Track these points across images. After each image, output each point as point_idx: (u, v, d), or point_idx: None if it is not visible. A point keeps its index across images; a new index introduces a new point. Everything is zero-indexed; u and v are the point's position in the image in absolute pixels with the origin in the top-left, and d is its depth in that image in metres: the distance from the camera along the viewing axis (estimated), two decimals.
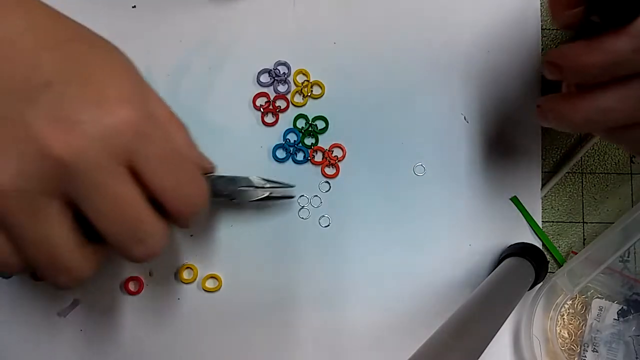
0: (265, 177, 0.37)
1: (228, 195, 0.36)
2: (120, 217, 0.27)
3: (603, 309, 0.39)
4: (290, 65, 0.41)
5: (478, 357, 0.26)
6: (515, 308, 0.38)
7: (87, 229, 0.27)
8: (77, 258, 0.28)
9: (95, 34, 0.29)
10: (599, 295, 0.39)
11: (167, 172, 0.28)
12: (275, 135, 0.41)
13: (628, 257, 0.40)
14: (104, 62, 0.28)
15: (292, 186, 0.38)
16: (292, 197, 0.39)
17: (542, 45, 0.41)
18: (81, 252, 0.28)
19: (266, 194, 0.37)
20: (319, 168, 0.41)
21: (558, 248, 0.40)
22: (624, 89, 0.27)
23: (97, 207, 0.26)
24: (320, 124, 0.41)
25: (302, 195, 0.40)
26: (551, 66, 0.29)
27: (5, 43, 0.26)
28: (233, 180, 0.36)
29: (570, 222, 0.41)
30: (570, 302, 0.40)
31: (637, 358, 0.38)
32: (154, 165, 0.27)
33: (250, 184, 0.36)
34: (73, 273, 0.28)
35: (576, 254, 0.40)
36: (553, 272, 0.40)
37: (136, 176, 0.27)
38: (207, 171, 0.35)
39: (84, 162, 0.25)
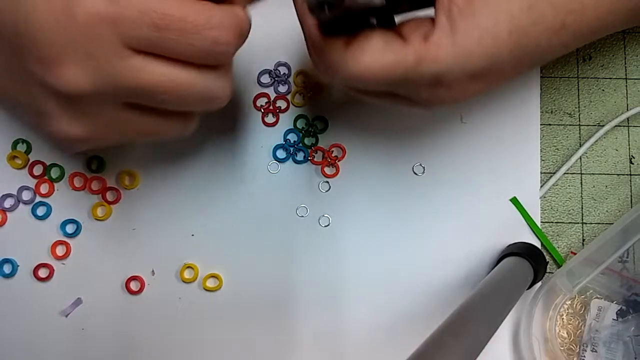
0: None
1: None
2: (170, 95, 0.26)
3: (602, 309, 0.39)
4: (291, 66, 0.41)
5: (477, 357, 0.26)
6: (515, 308, 0.38)
7: None
8: (180, 124, 0.29)
9: None
10: (598, 296, 0.39)
11: (163, 37, 0.25)
12: (275, 136, 0.41)
13: (627, 257, 0.40)
14: None
15: None
16: None
17: None
18: (181, 119, 0.29)
19: None
20: (319, 168, 0.41)
21: (557, 248, 0.40)
22: None
23: (144, 99, 0.26)
24: (320, 124, 0.41)
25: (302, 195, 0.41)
26: None
27: None
28: None
29: (569, 222, 0.41)
30: (570, 302, 0.40)
31: (635, 358, 0.38)
32: (150, 39, 0.25)
33: None
34: (184, 133, 0.30)
35: (575, 254, 0.40)
36: (552, 273, 0.40)
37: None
38: None
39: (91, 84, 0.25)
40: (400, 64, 0.26)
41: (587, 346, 0.39)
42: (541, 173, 0.41)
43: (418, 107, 0.30)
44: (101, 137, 0.28)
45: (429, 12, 0.28)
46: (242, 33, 0.26)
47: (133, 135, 0.29)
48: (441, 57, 0.26)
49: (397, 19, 0.28)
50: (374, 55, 0.26)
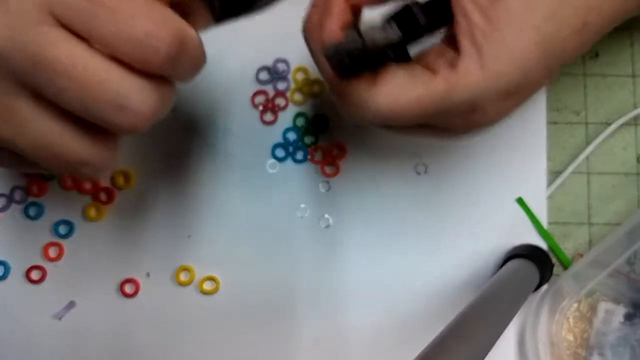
0: None
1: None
2: (79, 85, 0.22)
3: (609, 312, 0.39)
4: (290, 62, 0.41)
5: None
6: (520, 311, 0.38)
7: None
8: (86, 147, 0.24)
9: None
10: (605, 298, 0.39)
11: (94, 13, 0.22)
12: (274, 134, 0.41)
13: (635, 259, 0.39)
14: None
15: None
16: None
17: None
18: (88, 141, 0.24)
19: None
20: (319, 167, 0.40)
21: (564, 250, 0.40)
22: None
23: (50, 82, 0.22)
24: (321, 123, 0.40)
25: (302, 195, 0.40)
26: None
27: None
28: None
29: (576, 223, 0.40)
30: (576, 305, 0.39)
31: None
32: (79, 11, 0.22)
33: None
34: (90, 164, 0.25)
35: (582, 256, 0.39)
36: (559, 275, 0.40)
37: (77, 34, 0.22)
38: None
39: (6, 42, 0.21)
40: (431, 95, 0.26)
41: (593, 350, 0.38)
42: (547, 172, 0.40)
43: (454, 137, 0.30)
44: None
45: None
46: (183, 43, 0.23)
47: (27, 142, 0.24)
48: (472, 83, 0.26)
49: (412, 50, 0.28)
50: (403, 88, 0.26)
